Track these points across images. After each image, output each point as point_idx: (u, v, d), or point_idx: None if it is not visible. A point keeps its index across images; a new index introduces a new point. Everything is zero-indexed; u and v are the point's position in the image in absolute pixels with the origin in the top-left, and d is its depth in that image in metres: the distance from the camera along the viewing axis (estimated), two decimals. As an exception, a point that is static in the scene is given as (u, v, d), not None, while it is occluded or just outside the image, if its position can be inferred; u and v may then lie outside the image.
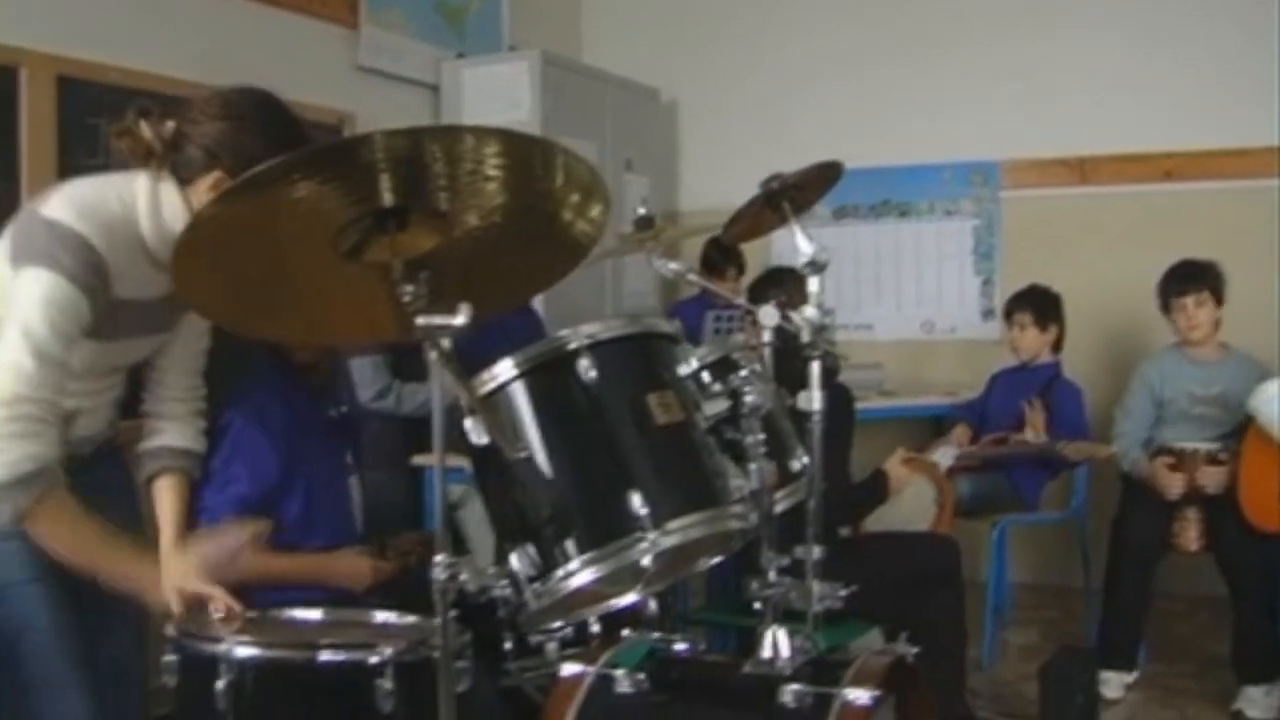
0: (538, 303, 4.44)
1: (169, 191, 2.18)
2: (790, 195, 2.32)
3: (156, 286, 2.22)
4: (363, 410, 3.75)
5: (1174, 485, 4.08)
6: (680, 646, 2.34)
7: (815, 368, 2.13)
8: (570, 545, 1.85)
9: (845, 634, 3.20)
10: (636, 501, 1.80)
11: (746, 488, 1.95)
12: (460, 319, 1.65)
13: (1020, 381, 4.86)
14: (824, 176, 2.48)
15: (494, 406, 1.89)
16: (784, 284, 3.18)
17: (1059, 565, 5.33)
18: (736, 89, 6.28)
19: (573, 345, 1.88)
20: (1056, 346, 4.84)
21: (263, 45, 4.52)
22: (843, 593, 2.15)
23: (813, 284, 2.18)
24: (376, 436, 3.81)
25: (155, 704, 2.56)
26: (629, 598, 2.06)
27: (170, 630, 2.10)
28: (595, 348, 1.89)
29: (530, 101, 5.27)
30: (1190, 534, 4.10)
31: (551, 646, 2.36)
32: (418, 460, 3.76)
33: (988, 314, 5.79)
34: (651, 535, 1.80)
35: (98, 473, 2.28)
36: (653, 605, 2.49)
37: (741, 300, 2.77)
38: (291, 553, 2.58)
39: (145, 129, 2.16)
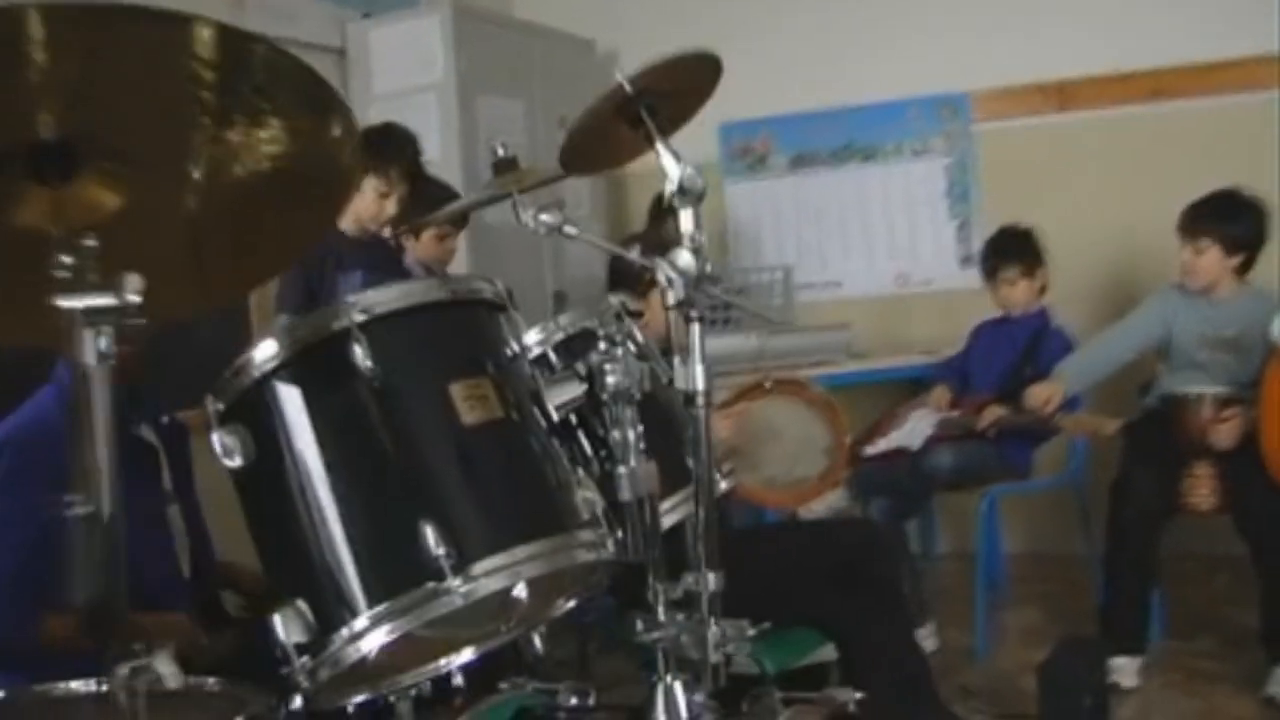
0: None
1: None
2: (650, 104, 1.78)
3: None
4: None
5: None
6: (568, 698, 1.86)
7: (696, 331, 1.61)
8: (356, 598, 1.35)
9: (793, 649, 2.71)
10: (430, 538, 1.30)
11: (598, 504, 1.45)
12: (130, 295, 1.14)
13: (1005, 335, 4.39)
14: (697, 74, 1.94)
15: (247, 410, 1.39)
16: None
17: (1059, 532, 4.83)
18: (679, 35, 5.65)
19: (340, 324, 1.37)
20: (1043, 290, 4.34)
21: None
22: (752, 633, 1.63)
23: (686, 220, 1.64)
24: None
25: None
26: (462, 657, 1.56)
27: None
28: (374, 326, 1.39)
29: (443, 59, 4.76)
30: (1203, 491, 3.60)
31: (404, 707, 1.87)
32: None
33: (966, 261, 5.30)
34: (453, 583, 1.30)
35: None
36: (538, 644, 2.01)
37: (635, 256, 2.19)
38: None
39: None
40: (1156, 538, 3.65)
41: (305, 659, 1.35)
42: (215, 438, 1.40)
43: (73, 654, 1.83)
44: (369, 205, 3.34)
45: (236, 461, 1.39)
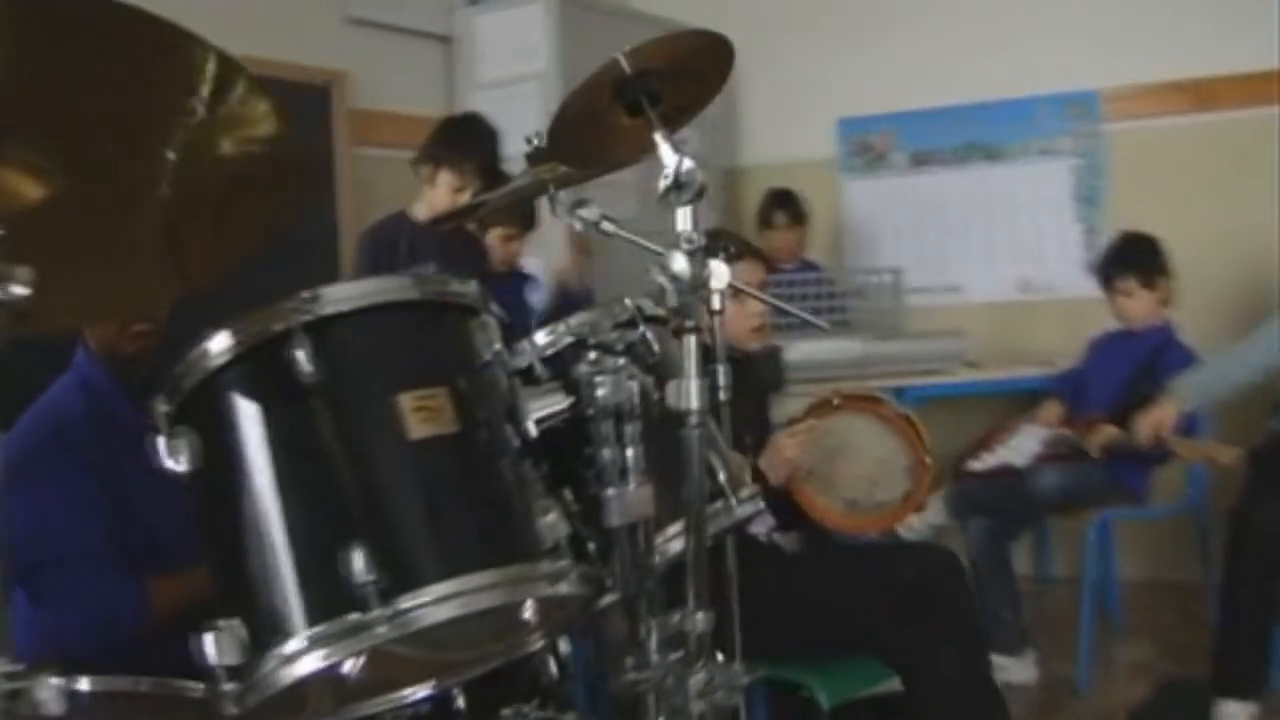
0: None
1: None
2: (650, 89, 1.62)
3: None
4: None
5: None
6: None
7: (691, 345, 1.46)
8: (288, 620, 1.25)
9: (853, 679, 2.54)
10: (358, 563, 1.19)
11: (563, 531, 1.31)
12: (18, 289, 1.05)
13: (1123, 348, 4.08)
14: (703, 56, 1.75)
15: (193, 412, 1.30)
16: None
17: (1180, 559, 4.52)
18: (802, 27, 5.57)
19: (282, 326, 1.27)
20: (1165, 302, 4.05)
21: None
22: (745, 680, 1.47)
23: (681, 218, 1.48)
24: None
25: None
26: (420, 690, 1.45)
27: None
28: (325, 326, 1.28)
29: (546, 48, 4.66)
30: (1336, 524, 3.30)
31: (395, 734, 1.77)
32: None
33: (1092, 267, 5.00)
34: (377, 612, 1.18)
35: None
36: (552, 667, 1.90)
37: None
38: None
39: None
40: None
41: (233, 685, 1.25)
42: (158, 442, 1.31)
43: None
44: (442, 199, 3.26)
45: (181, 466, 1.30)
